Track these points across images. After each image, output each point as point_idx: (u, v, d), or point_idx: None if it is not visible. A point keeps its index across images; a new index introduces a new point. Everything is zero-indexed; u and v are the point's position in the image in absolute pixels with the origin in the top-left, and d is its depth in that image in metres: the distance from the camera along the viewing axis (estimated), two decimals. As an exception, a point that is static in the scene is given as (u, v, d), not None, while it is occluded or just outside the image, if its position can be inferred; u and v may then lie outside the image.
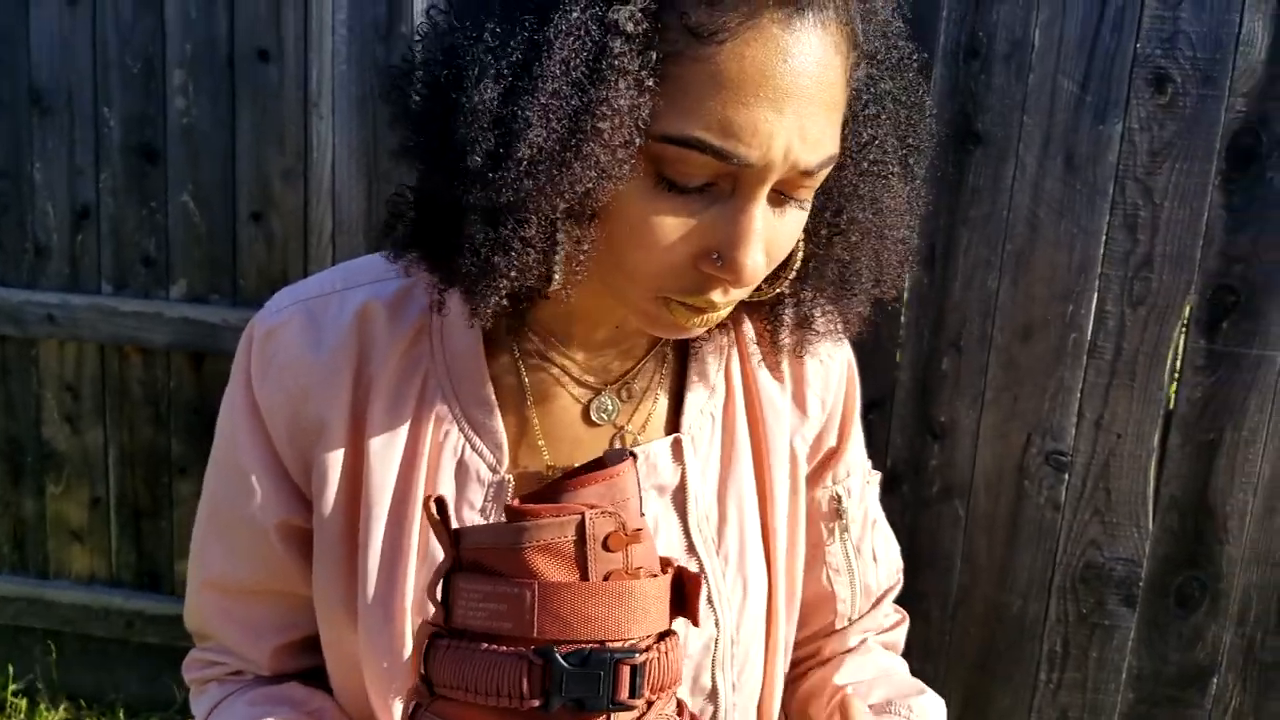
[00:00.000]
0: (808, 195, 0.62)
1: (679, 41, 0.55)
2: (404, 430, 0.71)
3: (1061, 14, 1.72)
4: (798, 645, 0.88)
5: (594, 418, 0.75)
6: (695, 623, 0.56)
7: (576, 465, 0.70)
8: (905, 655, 1.56)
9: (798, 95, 0.56)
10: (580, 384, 0.75)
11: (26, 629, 2.29)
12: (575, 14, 0.54)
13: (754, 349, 0.80)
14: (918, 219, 0.75)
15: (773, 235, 0.61)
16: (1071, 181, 1.76)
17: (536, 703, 0.49)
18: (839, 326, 0.76)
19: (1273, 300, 1.76)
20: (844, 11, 0.58)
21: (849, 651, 0.89)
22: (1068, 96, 1.74)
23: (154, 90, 2.01)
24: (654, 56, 0.55)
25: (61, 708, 2.27)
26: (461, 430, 0.72)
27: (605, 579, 0.51)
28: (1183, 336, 1.80)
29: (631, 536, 0.52)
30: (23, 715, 2.25)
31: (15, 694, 2.28)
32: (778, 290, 0.71)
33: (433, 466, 0.71)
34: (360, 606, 0.70)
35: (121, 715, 2.25)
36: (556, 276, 0.60)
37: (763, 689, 0.82)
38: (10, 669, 2.30)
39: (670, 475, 0.75)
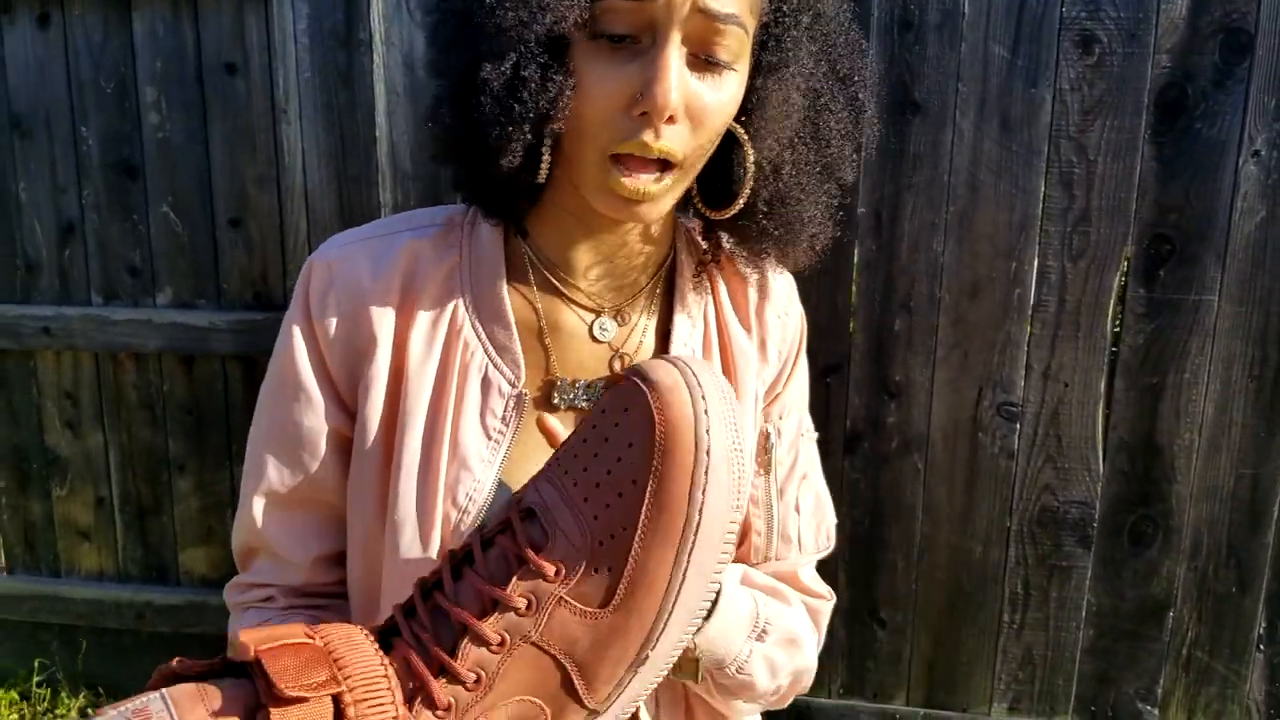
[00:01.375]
0: (725, 54, 0.73)
1: None
2: (438, 351, 0.83)
3: (988, -17, 1.79)
4: None
5: (596, 335, 0.87)
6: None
7: (585, 380, 0.86)
8: (873, 604, 1.88)
9: None
10: (585, 309, 0.87)
11: (44, 625, 2.40)
12: None
13: (729, 308, 0.92)
14: (857, 149, 0.88)
15: (694, 92, 0.73)
16: (1008, 144, 1.83)
17: None
18: (798, 245, 0.88)
19: (1207, 247, 1.83)
20: None
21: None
22: (999, 62, 1.81)
23: (128, 108, 2.09)
24: None
25: (81, 696, 2.39)
26: (485, 351, 0.84)
27: None
28: (1123, 286, 1.87)
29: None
30: (46, 704, 2.37)
31: (38, 684, 2.40)
32: (741, 202, 0.82)
33: (461, 382, 0.83)
34: (392, 506, 0.82)
35: (140, 703, 2.37)
36: (548, 132, 0.75)
37: None
38: (35, 663, 2.42)
39: None
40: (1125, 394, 1.91)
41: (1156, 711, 2.03)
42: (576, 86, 0.73)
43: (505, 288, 0.85)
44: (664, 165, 0.75)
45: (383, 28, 1.95)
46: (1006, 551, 2.00)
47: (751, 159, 0.80)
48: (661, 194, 0.76)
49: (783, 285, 0.96)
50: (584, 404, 0.87)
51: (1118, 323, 1.89)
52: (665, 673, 0.59)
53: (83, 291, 2.20)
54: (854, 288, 1.94)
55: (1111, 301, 1.87)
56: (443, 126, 0.79)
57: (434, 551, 0.82)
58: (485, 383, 0.84)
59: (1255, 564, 1.94)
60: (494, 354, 0.84)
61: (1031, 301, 1.89)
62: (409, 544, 0.81)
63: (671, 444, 0.56)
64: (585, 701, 0.55)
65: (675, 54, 0.71)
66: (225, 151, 2.09)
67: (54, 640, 2.42)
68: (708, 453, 0.56)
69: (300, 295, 0.86)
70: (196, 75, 2.06)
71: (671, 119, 0.72)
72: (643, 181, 0.74)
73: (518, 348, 0.84)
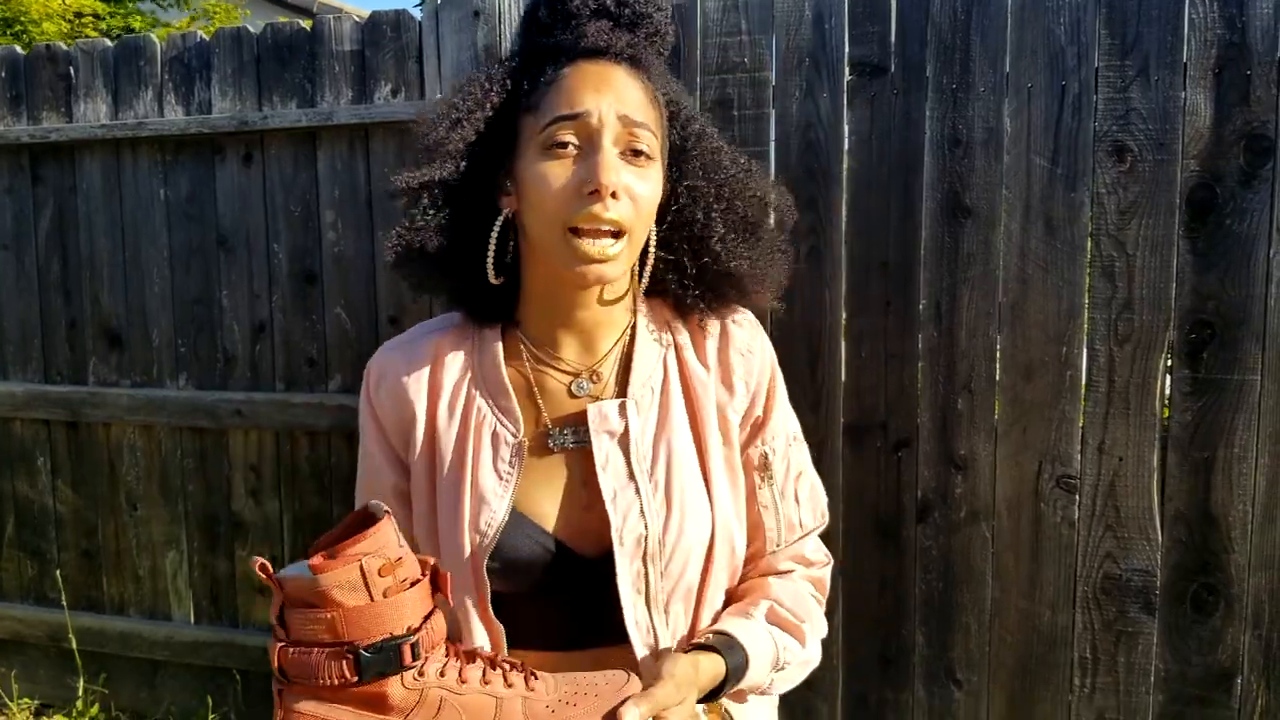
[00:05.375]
0: (646, 148, 1.06)
1: (541, 89, 1.06)
2: (458, 417, 1.16)
3: (1027, 104, 2.05)
4: (744, 560, 1.23)
5: (575, 392, 1.18)
6: (449, 601, 0.92)
7: (571, 427, 1.16)
8: (950, 665, 2.13)
9: (608, 84, 1.04)
10: (565, 373, 1.18)
11: (223, 669, 2.78)
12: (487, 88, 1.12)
13: (689, 353, 1.21)
14: (780, 228, 1.25)
15: (628, 180, 1.05)
16: (1052, 241, 2.06)
17: (355, 679, 0.83)
18: (745, 293, 1.22)
19: (1246, 330, 1.99)
20: (637, 73, 1.07)
21: (780, 574, 1.23)
22: (1040, 171, 2.06)
23: (311, 227, 2.55)
24: (525, 85, 1.09)
25: (251, 733, 2.74)
26: (493, 413, 1.15)
27: (384, 595, 0.83)
28: (1169, 367, 2.05)
29: (395, 564, 0.84)
30: (221, 740, 2.73)
31: (215, 722, 2.78)
32: (645, 280, 1.17)
33: (477, 439, 1.15)
34: (441, 531, 1.13)
35: (298, 740, 2.70)
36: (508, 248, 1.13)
37: (702, 583, 1.16)
38: (209, 700, 2.80)
39: (617, 424, 1.15)
40: (1178, 468, 2.06)
41: (1231, 779, 2.10)
42: (536, 184, 1.06)
43: (504, 366, 1.17)
44: (616, 234, 1.06)
45: (514, 158, 2.35)
46: (1074, 616, 2.14)
47: (653, 253, 1.16)
48: (617, 255, 1.07)
49: (744, 327, 1.24)
50: (570, 445, 1.15)
51: (1167, 401, 2.06)
52: None
53: (269, 379, 2.64)
54: (919, 371, 2.17)
55: (1158, 381, 2.04)
56: (428, 265, 1.17)
57: (468, 564, 1.11)
58: (495, 437, 1.14)
59: (1318, 632, 2.02)
60: (499, 414, 1.15)
61: (1083, 382, 2.08)
62: (451, 558, 1.12)
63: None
64: None
65: (611, 150, 1.04)
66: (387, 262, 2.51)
67: (230, 683, 2.79)
68: None
69: (364, 390, 1.21)
70: (366, 200, 2.50)
71: (615, 195, 1.04)
72: (602, 245, 1.06)
73: (516, 409, 1.15)
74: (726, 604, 1.21)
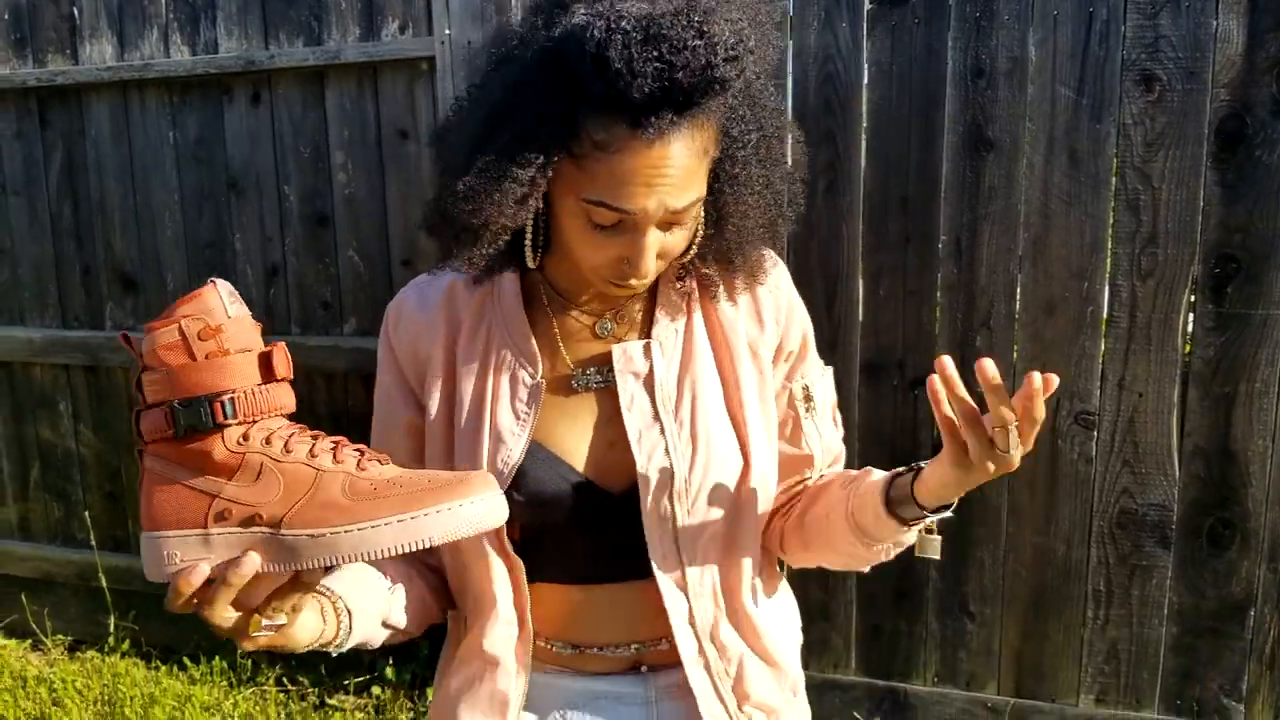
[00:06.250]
0: (684, 221, 1.03)
1: (589, 147, 0.96)
2: (477, 357, 1.16)
3: (1053, 32, 1.99)
4: (785, 491, 1.25)
5: (598, 332, 1.18)
6: (289, 381, 0.91)
7: (595, 367, 1.17)
8: (963, 599, 2.21)
9: (660, 178, 0.97)
10: (588, 314, 1.18)
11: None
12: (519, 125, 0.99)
13: (717, 293, 1.20)
14: (788, 198, 1.17)
15: (665, 244, 1.04)
16: (1076, 175, 2.02)
17: (171, 432, 0.86)
18: (750, 261, 1.17)
19: (1272, 264, 1.96)
20: (696, 126, 0.98)
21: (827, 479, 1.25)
22: (1065, 102, 2.01)
23: (321, 169, 2.52)
24: (562, 155, 0.98)
25: (278, 666, 2.81)
26: (512, 354, 1.15)
27: (206, 357, 0.86)
28: (1192, 302, 2.02)
29: (216, 330, 0.86)
30: (247, 674, 2.80)
31: (241, 656, 2.84)
32: (691, 256, 1.13)
33: (496, 379, 1.15)
34: (455, 461, 1.14)
35: (323, 671, 2.77)
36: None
37: (735, 519, 1.17)
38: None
39: (642, 365, 1.15)
40: (1199, 403, 2.05)
41: (1242, 707, 2.13)
42: (579, 247, 1.03)
43: (523, 308, 1.16)
44: None
45: (526, 95, 2.31)
46: (1089, 551, 2.15)
47: (699, 234, 1.10)
48: (652, 276, 1.07)
49: (767, 264, 1.22)
50: (596, 385, 1.16)
51: (1189, 336, 2.04)
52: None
53: (285, 323, 2.64)
54: (938, 308, 2.15)
55: (1181, 317, 2.02)
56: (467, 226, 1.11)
57: None
58: (513, 378, 1.14)
59: (1336, 565, 2.03)
60: (518, 355, 1.15)
61: (1104, 318, 2.06)
62: None
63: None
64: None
65: (652, 238, 1.01)
66: (399, 203, 2.49)
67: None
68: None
69: (383, 327, 1.21)
70: (376, 141, 2.47)
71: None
72: (635, 282, 1.06)
73: (535, 350, 1.15)
74: (769, 531, 1.24)
